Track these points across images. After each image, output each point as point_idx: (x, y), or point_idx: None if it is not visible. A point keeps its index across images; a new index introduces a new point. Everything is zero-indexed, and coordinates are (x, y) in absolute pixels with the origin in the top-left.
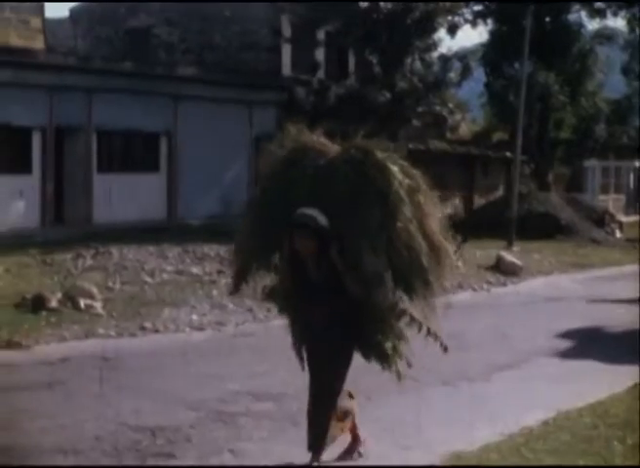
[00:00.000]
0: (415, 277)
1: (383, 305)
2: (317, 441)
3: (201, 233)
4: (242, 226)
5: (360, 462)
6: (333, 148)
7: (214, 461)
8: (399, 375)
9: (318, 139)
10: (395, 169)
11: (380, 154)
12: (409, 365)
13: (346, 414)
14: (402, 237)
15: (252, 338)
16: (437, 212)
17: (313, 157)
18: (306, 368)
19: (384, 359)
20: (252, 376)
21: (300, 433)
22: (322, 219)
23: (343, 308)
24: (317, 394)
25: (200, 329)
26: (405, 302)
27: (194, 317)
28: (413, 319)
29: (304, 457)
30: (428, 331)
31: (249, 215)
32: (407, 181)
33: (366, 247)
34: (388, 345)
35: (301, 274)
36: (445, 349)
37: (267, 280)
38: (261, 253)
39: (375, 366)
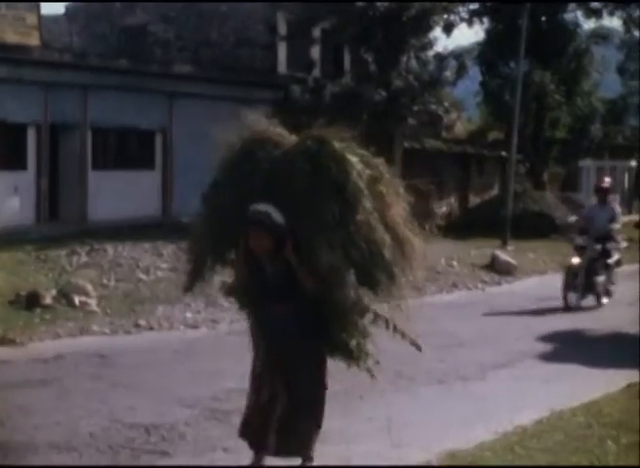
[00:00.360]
0: (378, 271)
1: (345, 302)
2: (302, 450)
3: None
4: (196, 222)
5: (355, 462)
6: (289, 139)
7: (207, 459)
8: (370, 373)
9: (274, 130)
10: (354, 159)
11: (337, 144)
12: (376, 362)
13: None
14: (362, 230)
15: (246, 336)
16: (401, 202)
17: (268, 149)
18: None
19: (350, 357)
20: (246, 374)
21: None
22: (277, 216)
23: (303, 306)
24: (296, 399)
25: (194, 326)
26: (369, 298)
27: (188, 314)
28: (377, 316)
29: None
30: (395, 329)
31: (203, 211)
32: (367, 172)
33: (322, 241)
34: (353, 343)
35: (258, 271)
36: (418, 348)
37: (225, 276)
38: (217, 250)
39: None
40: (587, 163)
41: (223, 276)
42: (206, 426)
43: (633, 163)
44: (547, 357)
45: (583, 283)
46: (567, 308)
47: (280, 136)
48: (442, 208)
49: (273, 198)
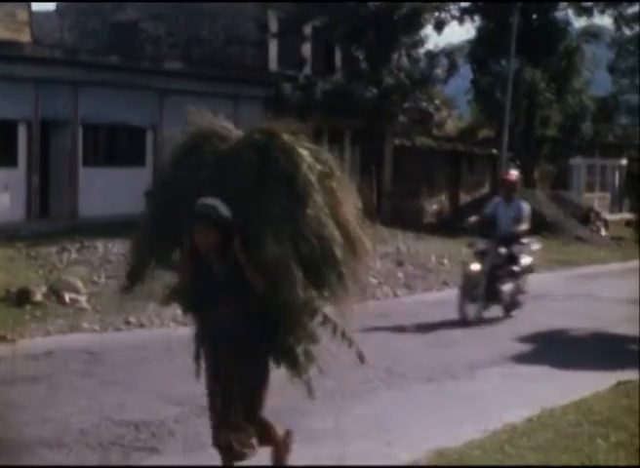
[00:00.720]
0: (327, 270)
1: (294, 301)
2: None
3: None
4: (141, 220)
5: (347, 461)
6: (236, 133)
7: (197, 456)
8: (309, 389)
9: (220, 123)
10: (304, 152)
11: (286, 137)
12: (320, 371)
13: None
14: (312, 226)
15: None
16: (352, 199)
17: (215, 142)
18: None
19: (294, 366)
20: None
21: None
22: (224, 210)
23: (252, 307)
24: (240, 405)
25: (185, 323)
26: (317, 299)
27: (179, 311)
28: (327, 319)
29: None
30: (343, 335)
31: (147, 208)
32: (318, 167)
33: (269, 235)
34: (300, 350)
35: (204, 270)
36: (361, 358)
37: (167, 278)
38: (161, 249)
39: (358, 362)
40: (578, 161)
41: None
42: (196, 423)
43: (624, 161)
44: (537, 355)
45: (484, 293)
46: (464, 322)
47: (226, 130)
48: (433, 205)
49: (220, 192)
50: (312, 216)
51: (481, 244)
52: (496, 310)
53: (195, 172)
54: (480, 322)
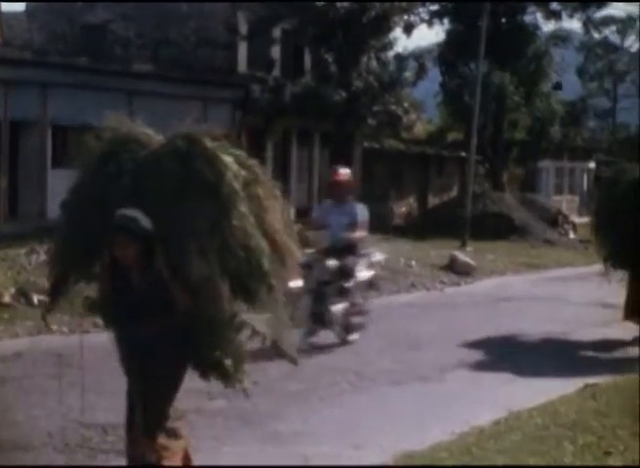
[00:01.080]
0: (255, 283)
1: (219, 317)
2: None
3: None
4: (57, 231)
5: (314, 463)
6: (156, 139)
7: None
8: (246, 394)
9: (139, 129)
10: (228, 159)
11: (209, 143)
12: (255, 383)
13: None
14: (238, 236)
15: None
16: (279, 206)
17: (134, 149)
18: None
19: (226, 378)
20: None
21: (252, 432)
22: (145, 222)
23: (173, 323)
24: (148, 419)
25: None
26: (245, 312)
27: None
28: (255, 332)
29: (256, 456)
30: (273, 346)
31: (64, 219)
32: (243, 173)
33: (194, 250)
34: (229, 363)
35: (125, 284)
36: (295, 363)
37: (89, 291)
38: (80, 262)
39: (328, 365)
40: (546, 164)
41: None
42: None
43: (592, 164)
44: (505, 358)
45: (309, 315)
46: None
47: (146, 136)
48: (401, 208)
49: (141, 203)
50: (238, 227)
51: (306, 256)
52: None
53: (113, 180)
54: (311, 351)
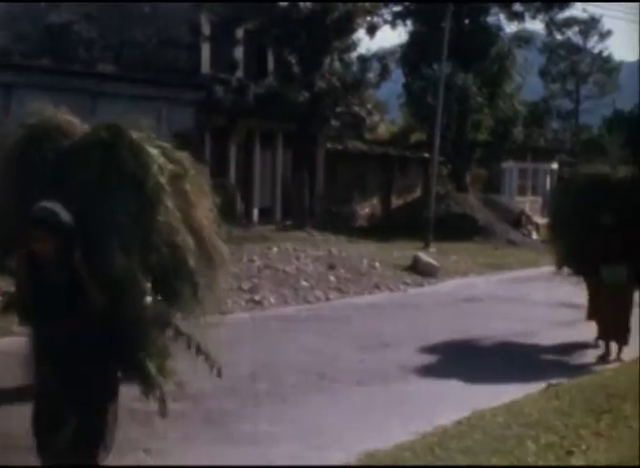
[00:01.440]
0: (180, 281)
1: (142, 316)
2: None
3: None
4: None
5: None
6: (81, 128)
7: (128, 461)
8: (163, 409)
9: (63, 117)
10: (154, 151)
11: (135, 134)
12: (179, 386)
13: None
14: (163, 233)
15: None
16: (207, 202)
17: (57, 138)
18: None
19: (147, 382)
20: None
21: (213, 433)
22: (65, 215)
23: (94, 322)
24: (85, 425)
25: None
26: (169, 312)
27: None
28: (179, 332)
29: (219, 458)
30: (198, 349)
31: None
32: (170, 166)
33: (116, 245)
34: (151, 365)
35: (42, 279)
36: (218, 373)
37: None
38: None
39: (291, 366)
40: (510, 165)
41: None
42: (127, 428)
43: (555, 165)
44: (468, 358)
45: None
46: None
47: (70, 125)
48: (365, 209)
49: (62, 195)
50: (163, 223)
51: None
52: None
53: (33, 170)
54: None
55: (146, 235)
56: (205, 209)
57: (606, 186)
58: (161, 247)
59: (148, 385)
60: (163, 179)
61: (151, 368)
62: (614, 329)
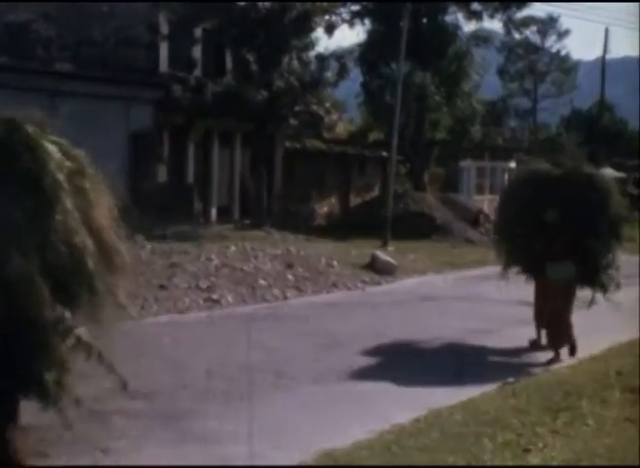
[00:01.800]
0: (79, 284)
1: (39, 322)
2: None
3: None
4: None
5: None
6: None
7: (86, 460)
8: (64, 419)
9: None
10: (51, 147)
11: (31, 129)
12: (78, 403)
13: None
14: (61, 233)
15: (125, 336)
16: (106, 200)
17: None
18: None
19: (44, 396)
20: (125, 374)
21: (171, 432)
22: None
23: None
24: None
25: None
26: (69, 319)
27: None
28: (80, 341)
29: (176, 457)
30: (100, 359)
31: None
32: (67, 163)
33: (11, 244)
34: (50, 377)
35: None
36: (124, 385)
37: None
38: None
39: (248, 365)
40: (468, 164)
41: None
42: (84, 427)
43: (513, 164)
44: (425, 357)
45: None
46: None
47: None
48: (323, 208)
49: None
50: (61, 222)
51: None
52: None
53: None
54: None
55: (44, 235)
56: (105, 209)
57: (550, 184)
58: (59, 248)
59: (46, 399)
60: (61, 177)
61: (49, 380)
62: (551, 325)
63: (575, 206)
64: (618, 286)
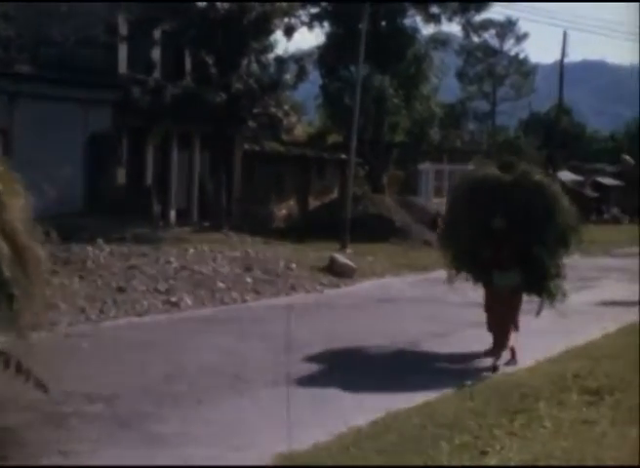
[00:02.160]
0: None
1: None
2: None
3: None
4: None
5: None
6: None
7: (44, 462)
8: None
9: None
10: None
11: None
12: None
13: None
14: None
15: (84, 339)
16: (20, 203)
17: None
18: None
19: None
20: (84, 378)
21: (129, 435)
22: None
23: None
24: None
25: (32, 329)
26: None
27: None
28: None
29: (135, 458)
30: (18, 368)
31: None
32: None
33: None
34: None
35: None
36: (44, 390)
37: None
38: None
39: (206, 367)
40: (426, 166)
41: None
42: (43, 430)
43: (471, 167)
44: (381, 360)
45: None
46: None
47: None
48: (282, 210)
49: None
50: None
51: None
52: None
53: None
54: None
55: None
56: (18, 210)
57: (496, 189)
58: None
59: None
60: None
61: None
62: (496, 331)
63: (522, 213)
64: (564, 294)
